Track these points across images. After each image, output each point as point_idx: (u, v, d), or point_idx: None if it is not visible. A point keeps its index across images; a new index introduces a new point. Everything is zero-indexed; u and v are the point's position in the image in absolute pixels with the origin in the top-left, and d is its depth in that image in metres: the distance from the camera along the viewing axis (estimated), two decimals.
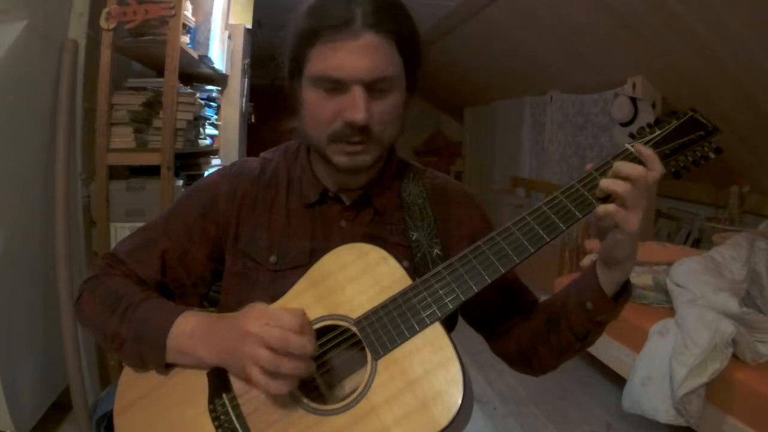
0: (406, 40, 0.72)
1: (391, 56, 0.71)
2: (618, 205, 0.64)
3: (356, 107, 0.69)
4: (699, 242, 3.26)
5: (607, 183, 0.64)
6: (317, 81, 0.70)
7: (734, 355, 1.77)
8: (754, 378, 1.72)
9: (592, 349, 2.46)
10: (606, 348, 2.38)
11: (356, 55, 0.68)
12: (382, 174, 0.83)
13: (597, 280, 0.72)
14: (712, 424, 1.77)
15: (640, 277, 2.40)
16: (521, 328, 0.84)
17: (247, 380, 0.66)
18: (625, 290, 0.73)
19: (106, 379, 2.10)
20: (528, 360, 0.84)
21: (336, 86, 0.70)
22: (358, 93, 0.69)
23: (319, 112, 0.72)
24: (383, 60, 0.70)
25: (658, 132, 0.71)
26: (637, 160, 0.68)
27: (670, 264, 2.34)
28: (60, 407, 1.98)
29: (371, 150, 0.74)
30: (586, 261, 0.74)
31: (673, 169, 0.70)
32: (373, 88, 0.70)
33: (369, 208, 0.82)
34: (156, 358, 0.72)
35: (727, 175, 3.09)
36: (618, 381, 2.29)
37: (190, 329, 0.71)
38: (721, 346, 1.74)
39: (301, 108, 0.76)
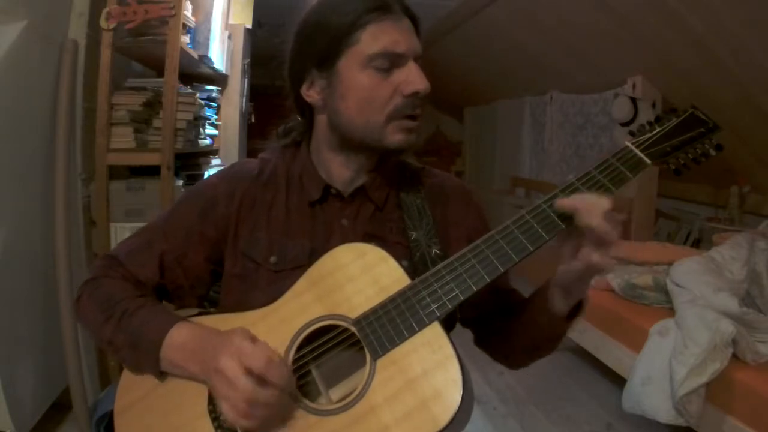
0: (418, 25, 0.79)
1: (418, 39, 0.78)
2: (595, 247, 0.62)
3: (418, 78, 0.74)
4: (699, 242, 3.25)
5: (585, 219, 0.62)
6: (374, 59, 0.72)
7: (734, 355, 1.77)
8: (754, 378, 1.72)
9: (592, 349, 2.47)
10: (606, 348, 2.38)
11: (406, 33, 0.75)
12: (378, 169, 0.83)
13: (546, 299, 0.73)
14: (712, 424, 1.76)
15: (640, 277, 2.40)
16: (500, 329, 0.86)
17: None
18: (579, 308, 0.74)
19: (106, 379, 2.10)
20: (503, 357, 0.88)
21: (393, 63, 0.73)
22: (414, 66, 0.74)
23: (375, 92, 0.74)
24: (419, 42, 0.77)
25: (658, 129, 0.71)
26: (634, 159, 0.68)
27: (670, 264, 2.34)
28: (60, 407, 1.98)
29: (420, 128, 0.78)
30: None
31: (673, 167, 0.70)
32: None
33: (368, 202, 0.82)
34: (150, 368, 0.72)
35: (727, 175, 3.09)
36: (618, 381, 2.28)
37: (182, 342, 0.70)
38: (721, 346, 1.74)
39: (338, 97, 0.76)
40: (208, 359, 0.66)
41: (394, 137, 0.75)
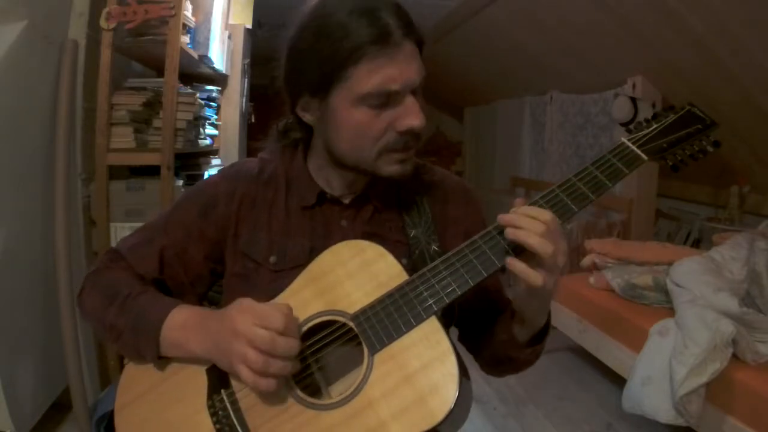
0: (422, 43, 0.74)
1: (420, 60, 0.73)
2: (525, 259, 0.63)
3: (413, 114, 0.70)
4: (699, 242, 3.25)
5: (511, 233, 0.64)
6: (367, 98, 0.69)
7: (734, 355, 1.77)
8: (754, 378, 1.72)
9: (592, 349, 2.47)
10: (606, 348, 2.37)
11: (405, 64, 0.69)
12: (377, 180, 0.82)
13: (511, 319, 0.73)
14: (712, 424, 1.76)
15: (640, 277, 2.39)
16: (479, 331, 0.86)
17: (235, 376, 0.67)
18: (540, 340, 0.74)
19: (106, 379, 2.10)
20: (478, 362, 0.89)
21: (389, 100, 0.70)
22: (411, 100, 0.71)
23: (368, 129, 0.71)
24: (420, 64, 0.72)
25: (655, 126, 0.72)
26: (631, 155, 0.69)
27: (670, 264, 2.34)
28: (60, 407, 1.98)
29: (413, 157, 0.76)
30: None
31: (670, 163, 0.71)
32: (414, 93, 0.72)
33: (368, 205, 0.82)
34: (151, 350, 0.72)
35: (727, 175, 3.09)
36: (618, 381, 2.28)
37: (182, 321, 0.72)
38: (721, 346, 1.74)
39: (331, 127, 0.74)
40: (213, 335, 0.67)
41: (388, 168, 0.74)
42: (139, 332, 0.73)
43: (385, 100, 0.70)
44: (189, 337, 0.70)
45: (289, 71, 0.75)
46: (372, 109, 0.70)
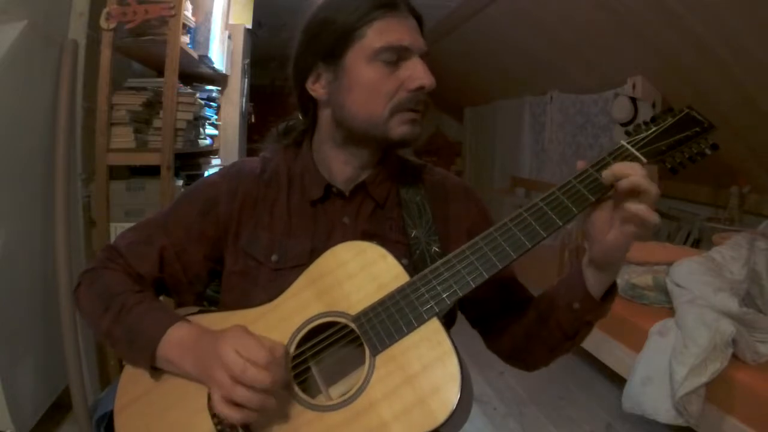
0: (422, 25, 0.80)
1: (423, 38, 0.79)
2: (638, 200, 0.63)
3: (423, 73, 0.75)
4: (699, 242, 3.25)
5: (620, 168, 0.64)
6: (381, 53, 0.74)
7: (734, 355, 1.77)
8: (754, 378, 1.72)
9: (592, 349, 2.47)
10: (606, 348, 2.38)
11: (412, 31, 0.77)
12: (380, 167, 0.83)
13: (584, 282, 0.72)
14: (712, 424, 1.77)
15: (640, 277, 2.40)
16: (515, 325, 0.84)
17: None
18: (611, 291, 0.73)
19: (106, 379, 2.10)
20: (521, 356, 0.85)
21: (399, 57, 0.75)
22: (420, 61, 0.76)
23: (381, 85, 0.75)
24: (424, 41, 0.78)
25: (654, 129, 0.72)
26: (630, 157, 0.68)
27: (670, 264, 2.34)
28: (60, 407, 1.98)
29: (422, 120, 0.79)
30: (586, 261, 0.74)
31: (669, 166, 0.71)
32: (423, 59, 0.77)
33: (369, 200, 0.82)
34: (144, 363, 0.73)
35: (727, 175, 3.08)
36: (618, 381, 2.28)
37: (178, 340, 0.71)
38: (721, 346, 1.74)
39: (344, 89, 0.77)
40: (203, 356, 0.67)
41: (398, 129, 0.76)
42: (133, 345, 0.73)
43: (398, 56, 0.75)
44: (184, 356, 0.70)
45: (302, 47, 0.80)
46: (385, 66, 0.75)
